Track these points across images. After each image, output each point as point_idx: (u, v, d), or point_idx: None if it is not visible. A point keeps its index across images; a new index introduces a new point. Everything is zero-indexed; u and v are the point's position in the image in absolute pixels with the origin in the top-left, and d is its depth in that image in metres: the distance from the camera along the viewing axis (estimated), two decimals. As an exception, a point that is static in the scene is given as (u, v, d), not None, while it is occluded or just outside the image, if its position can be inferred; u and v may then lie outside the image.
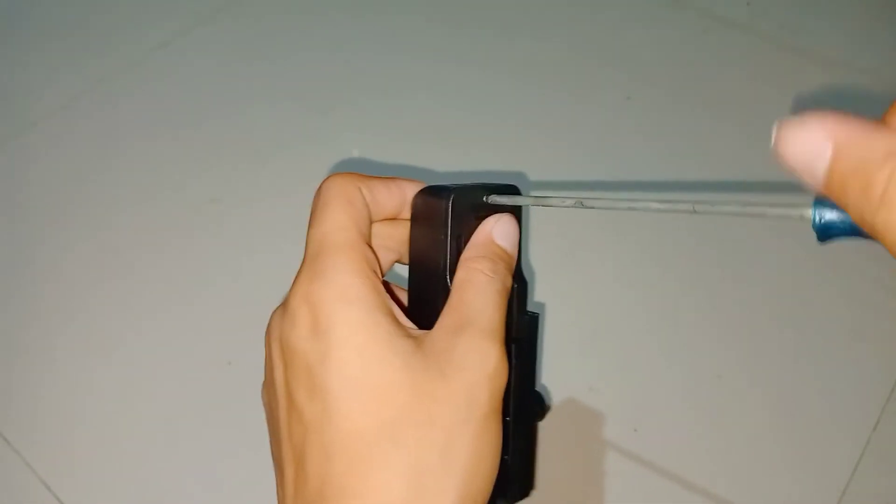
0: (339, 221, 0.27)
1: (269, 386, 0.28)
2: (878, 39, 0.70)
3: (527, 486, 0.31)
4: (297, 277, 0.27)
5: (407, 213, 0.30)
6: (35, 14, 0.74)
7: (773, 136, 0.17)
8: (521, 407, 0.30)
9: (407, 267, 0.30)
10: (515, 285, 0.29)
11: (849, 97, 0.65)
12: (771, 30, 0.70)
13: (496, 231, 0.29)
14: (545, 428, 0.45)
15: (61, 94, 0.66)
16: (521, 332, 0.30)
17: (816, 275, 0.54)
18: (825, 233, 0.19)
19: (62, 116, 0.65)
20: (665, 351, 0.51)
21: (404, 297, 0.31)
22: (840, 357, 0.51)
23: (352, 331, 0.25)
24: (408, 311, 0.30)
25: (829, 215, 0.19)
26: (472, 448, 0.25)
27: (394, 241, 0.30)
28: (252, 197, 0.60)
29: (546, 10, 0.74)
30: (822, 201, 0.19)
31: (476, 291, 0.27)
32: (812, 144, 0.17)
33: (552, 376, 0.49)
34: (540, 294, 0.53)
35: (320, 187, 0.28)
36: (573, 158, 0.62)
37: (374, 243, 0.29)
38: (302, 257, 0.27)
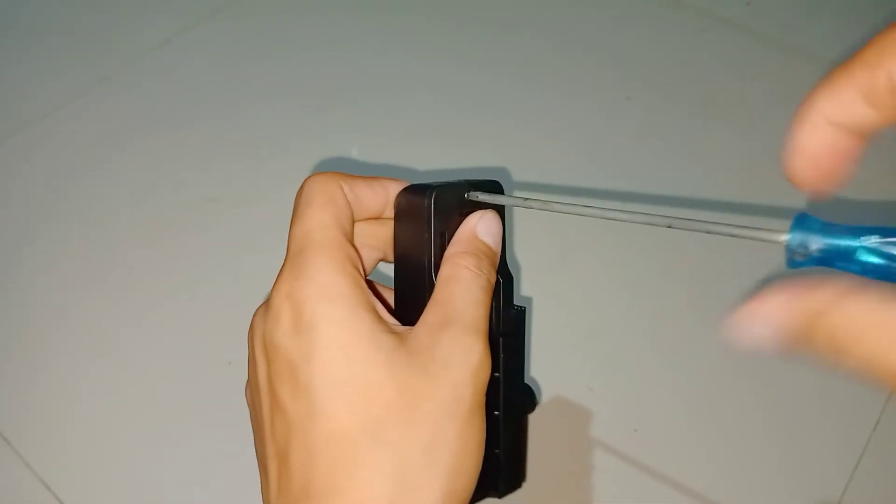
0: (320, 219, 0.27)
1: (252, 384, 0.28)
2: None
3: (518, 478, 0.32)
4: (279, 275, 0.27)
5: (391, 213, 0.30)
6: (33, 12, 0.74)
7: (729, 326, 0.20)
8: (511, 400, 0.30)
9: (392, 266, 0.31)
10: (501, 280, 0.29)
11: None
12: (770, 30, 0.70)
13: (480, 227, 0.29)
14: (544, 428, 0.45)
15: (60, 93, 0.66)
16: (508, 327, 0.30)
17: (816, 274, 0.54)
18: (795, 264, 0.20)
19: (61, 115, 0.65)
20: (665, 351, 0.51)
21: (389, 297, 0.31)
22: (839, 357, 0.51)
23: (335, 329, 0.25)
24: (395, 309, 0.30)
25: (802, 242, 0.19)
26: (457, 444, 0.25)
27: (378, 239, 0.30)
28: (251, 196, 0.60)
29: (546, 10, 0.74)
30: (800, 226, 0.19)
31: (460, 288, 0.27)
32: (767, 327, 0.20)
33: (551, 377, 0.49)
34: (539, 294, 0.53)
35: (302, 186, 0.28)
36: (573, 158, 0.62)
37: (358, 242, 0.29)
38: None
